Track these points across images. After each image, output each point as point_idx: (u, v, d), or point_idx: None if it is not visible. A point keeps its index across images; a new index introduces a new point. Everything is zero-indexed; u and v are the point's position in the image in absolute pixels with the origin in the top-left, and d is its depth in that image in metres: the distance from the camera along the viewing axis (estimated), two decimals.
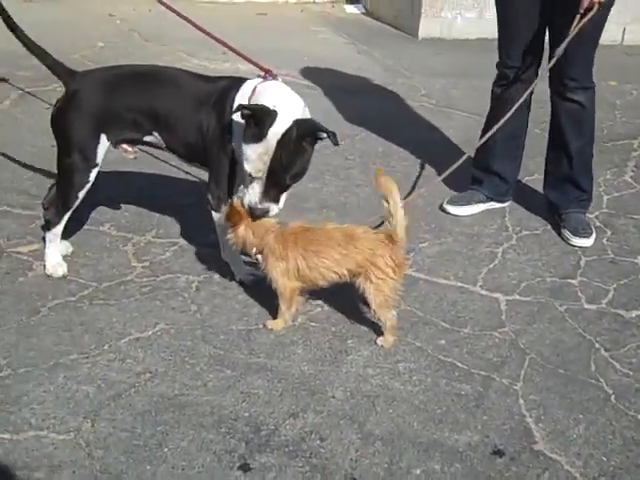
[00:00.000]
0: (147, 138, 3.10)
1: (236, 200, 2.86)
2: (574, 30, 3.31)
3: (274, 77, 2.96)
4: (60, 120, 3.05)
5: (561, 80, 3.59)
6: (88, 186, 3.08)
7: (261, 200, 2.81)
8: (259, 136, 2.71)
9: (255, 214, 2.84)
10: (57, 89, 5.09)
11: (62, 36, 6.53)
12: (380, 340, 2.87)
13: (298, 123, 2.74)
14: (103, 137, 3.02)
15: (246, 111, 2.71)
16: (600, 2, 3.23)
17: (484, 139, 3.58)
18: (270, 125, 2.70)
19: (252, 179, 2.80)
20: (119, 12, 7.66)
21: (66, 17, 7.37)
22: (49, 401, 2.47)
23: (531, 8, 3.51)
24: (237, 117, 2.80)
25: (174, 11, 3.24)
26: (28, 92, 5.16)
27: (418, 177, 4.33)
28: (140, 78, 3.08)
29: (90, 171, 3.04)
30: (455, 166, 3.41)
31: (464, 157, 3.45)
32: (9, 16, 3.05)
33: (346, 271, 2.79)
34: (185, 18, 3.22)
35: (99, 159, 3.05)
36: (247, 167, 2.77)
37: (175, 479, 2.21)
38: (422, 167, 4.47)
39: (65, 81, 3.07)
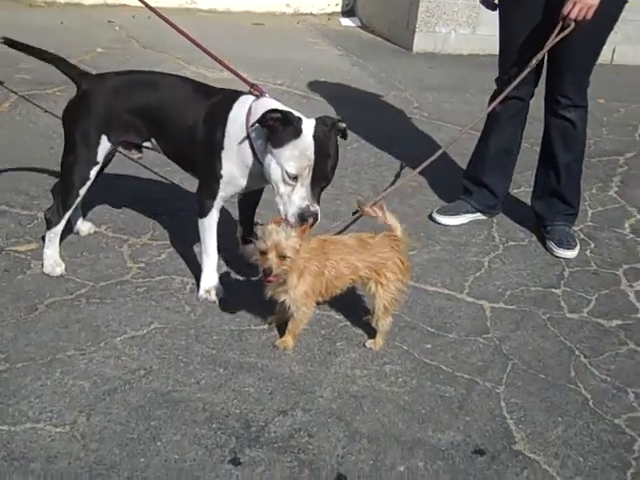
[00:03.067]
0: (146, 144, 3.20)
1: (271, 223, 2.68)
2: (548, 45, 3.43)
3: (260, 91, 3.05)
4: (67, 117, 3.17)
5: (555, 97, 3.70)
6: (88, 183, 3.16)
7: (312, 202, 2.79)
8: (295, 133, 2.75)
9: (307, 219, 2.76)
10: (56, 93, 5.22)
11: (62, 41, 6.59)
12: (370, 343, 2.96)
13: (320, 119, 2.85)
14: (104, 138, 3.10)
15: (275, 114, 2.75)
16: (577, 21, 3.34)
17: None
18: (300, 122, 2.78)
19: (289, 184, 2.77)
20: (118, 19, 7.75)
21: (67, 23, 7.45)
22: (46, 395, 2.55)
23: (531, 26, 3.61)
24: (255, 128, 2.83)
25: (165, 20, 3.33)
26: (22, 96, 5.22)
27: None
28: (143, 85, 3.16)
29: (90, 169, 3.13)
30: (430, 161, 3.53)
31: (439, 152, 3.57)
32: (22, 44, 3.17)
33: (362, 276, 2.87)
34: (175, 27, 3.32)
35: (99, 158, 3.13)
36: (289, 168, 2.73)
37: (168, 471, 2.28)
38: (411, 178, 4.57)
39: (77, 82, 3.17)
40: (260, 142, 2.87)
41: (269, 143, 2.80)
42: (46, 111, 4.97)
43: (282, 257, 2.62)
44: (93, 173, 3.15)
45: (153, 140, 3.17)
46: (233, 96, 3.04)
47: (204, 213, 3.08)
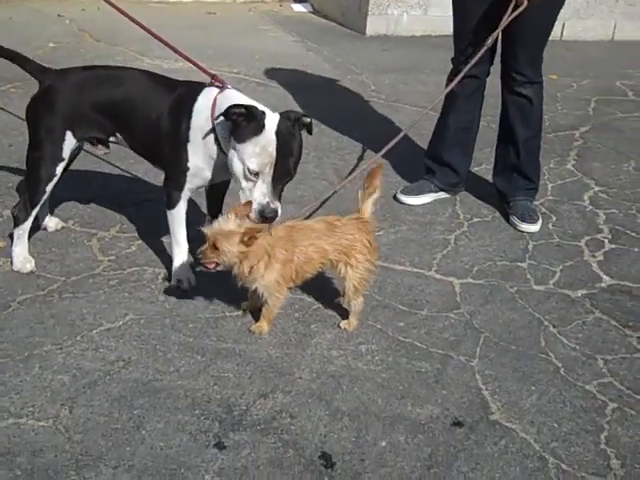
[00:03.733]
0: (112, 138, 3.18)
1: (231, 211, 2.71)
2: (503, 24, 3.48)
3: (221, 82, 3.06)
4: (31, 114, 3.15)
5: (510, 75, 3.77)
6: (55, 180, 3.15)
7: (272, 199, 2.80)
8: (258, 129, 2.75)
9: (267, 216, 2.79)
10: (10, 90, 5.14)
11: (12, 37, 6.51)
12: (344, 323, 3.01)
13: (284, 114, 2.86)
14: (69, 134, 3.09)
15: (239, 109, 2.75)
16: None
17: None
18: (264, 118, 2.78)
19: (251, 180, 2.79)
20: (68, 12, 7.68)
21: (16, 18, 7.35)
22: (26, 390, 2.55)
23: (484, 6, 3.66)
24: (220, 121, 2.84)
25: (121, 11, 3.31)
26: None
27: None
28: (107, 80, 3.15)
29: (56, 165, 3.12)
30: (392, 144, 3.54)
31: (401, 134, 3.59)
32: None
33: (331, 259, 2.90)
34: (131, 18, 3.30)
35: (65, 154, 3.12)
36: (251, 164, 2.75)
37: (154, 458, 2.31)
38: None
39: (39, 78, 3.14)
40: (225, 135, 2.87)
41: (232, 137, 2.81)
42: (1, 108, 4.91)
43: (214, 247, 2.66)
44: (59, 169, 3.14)
45: (118, 135, 3.15)
46: (197, 88, 3.04)
47: (172, 205, 3.09)
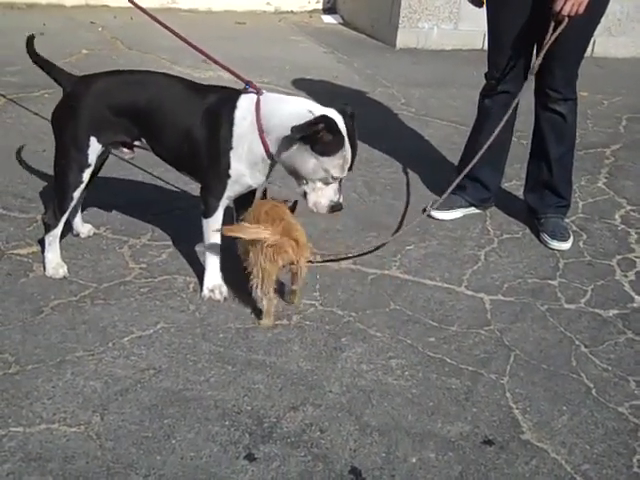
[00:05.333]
0: (136, 142, 3.19)
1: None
2: (546, 44, 3.48)
3: (256, 88, 3.06)
4: (55, 121, 3.16)
5: (545, 91, 3.76)
6: (82, 186, 3.16)
7: (340, 194, 2.99)
8: (340, 142, 2.83)
9: (336, 210, 3.00)
10: (44, 95, 5.21)
11: (46, 43, 6.54)
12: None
13: (342, 112, 2.93)
14: (93, 140, 3.09)
15: (319, 126, 2.77)
16: (570, 16, 3.39)
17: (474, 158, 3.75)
18: (339, 127, 2.85)
19: (329, 182, 2.92)
20: (101, 20, 7.74)
21: (49, 24, 7.42)
22: (58, 396, 2.56)
23: (520, 22, 3.65)
24: (273, 126, 2.90)
25: (154, 18, 3.32)
26: (10, 99, 5.21)
27: (407, 185, 4.48)
28: (130, 83, 3.15)
29: (82, 171, 3.12)
30: (444, 196, 3.83)
31: (453, 185, 3.79)
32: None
33: None
34: (164, 25, 3.30)
35: (91, 160, 3.12)
36: (336, 173, 2.87)
37: (185, 468, 2.31)
38: (406, 173, 4.62)
39: (62, 84, 3.15)
40: (279, 139, 2.89)
41: (310, 147, 2.83)
42: (36, 114, 4.96)
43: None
44: (86, 176, 3.15)
45: (143, 140, 3.16)
46: (233, 95, 3.04)
47: (210, 213, 3.09)
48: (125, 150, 3.26)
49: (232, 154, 2.97)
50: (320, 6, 9.45)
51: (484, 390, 2.78)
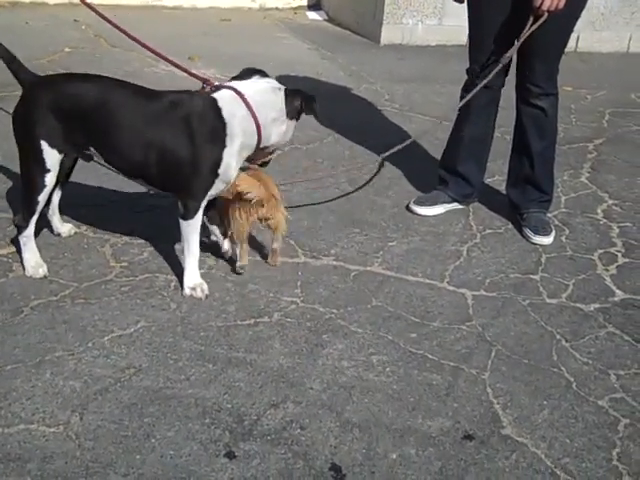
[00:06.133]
0: (86, 152, 3.10)
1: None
2: (523, 36, 3.49)
3: (213, 85, 3.09)
4: (13, 123, 3.08)
5: (526, 86, 3.76)
6: (46, 190, 3.09)
7: None
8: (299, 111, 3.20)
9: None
10: None
11: (30, 41, 6.58)
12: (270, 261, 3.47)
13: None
14: (45, 145, 3.00)
15: (301, 99, 3.21)
16: (549, 11, 3.39)
17: None
18: None
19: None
20: (84, 17, 7.65)
21: (32, 23, 7.40)
22: (37, 396, 2.55)
23: (501, 18, 3.65)
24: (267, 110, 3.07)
25: (103, 16, 3.30)
26: None
27: (390, 181, 4.47)
28: (80, 90, 3.03)
29: (43, 176, 3.05)
30: (398, 147, 3.95)
31: (407, 142, 3.94)
32: None
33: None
34: (112, 23, 3.30)
35: (49, 165, 3.03)
36: (288, 138, 3.26)
37: (164, 467, 2.31)
38: (389, 170, 4.62)
39: (21, 83, 3.09)
40: (270, 122, 3.09)
41: (295, 119, 3.20)
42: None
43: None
44: (49, 180, 3.07)
45: (92, 149, 3.06)
46: (205, 98, 3.02)
47: (192, 214, 3.07)
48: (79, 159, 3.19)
49: (225, 152, 2.99)
50: (305, 2, 9.43)
51: (465, 385, 2.79)
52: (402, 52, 7.62)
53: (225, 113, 2.98)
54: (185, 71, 3.29)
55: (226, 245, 3.38)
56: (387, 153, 3.97)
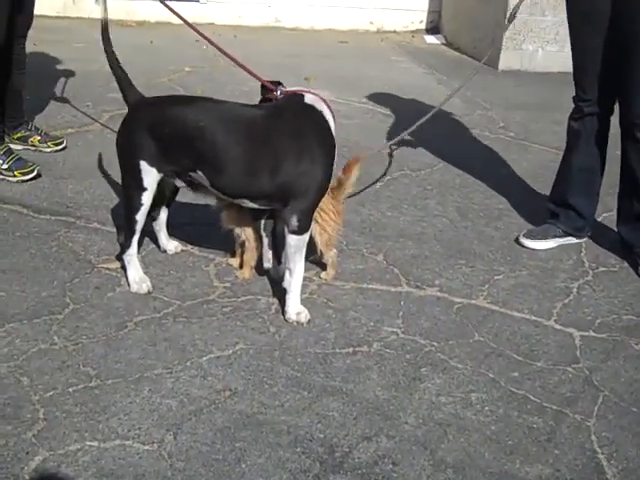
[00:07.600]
0: (191, 174, 3.07)
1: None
2: None
3: (286, 91, 3.17)
4: (116, 142, 3.18)
5: (629, 119, 3.59)
6: (143, 209, 3.14)
7: None
8: None
9: None
10: None
11: (152, 60, 6.81)
12: (323, 274, 3.47)
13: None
14: (144, 164, 3.04)
15: None
16: None
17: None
18: None
19: None
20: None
21: (156, 42, 7.64)
22: (135, 412, 2.59)
23: (600, 41, 3.54)
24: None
25: (203, 35, 3.35)
26: (113, 115, 5.35)
27: (500, 212, 4.37)
28: (186, 113, 3.02)
29: (141, 195, 3.09)
30: (423, 120, 3.98)
31: (433, 110, 4.00)
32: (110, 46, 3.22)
33: None
34: (196, 30, 3.35)
35: (146, 184, 3.07)
36: None
37: None
38: (500, 200, 4.51)
39: (127, 102, 3.20)
40: None
41: None
42: None
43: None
44: (145, 199, 3.11)
45: (199, 172, 3.03)
46: (308, 106, 3.05)
47: (307, 227, 3.05)
48: (178, 180, 3.16)
49: (335, 153, 3.08)
50: (423, 26, 9.40)
51: (568, 431, 2.66)
52: (521, 79, 7.48)
53: (327, 116, 3.06)
54: (258, 77, 3.36)
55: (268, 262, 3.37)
56: (394, 140, 4.26)
